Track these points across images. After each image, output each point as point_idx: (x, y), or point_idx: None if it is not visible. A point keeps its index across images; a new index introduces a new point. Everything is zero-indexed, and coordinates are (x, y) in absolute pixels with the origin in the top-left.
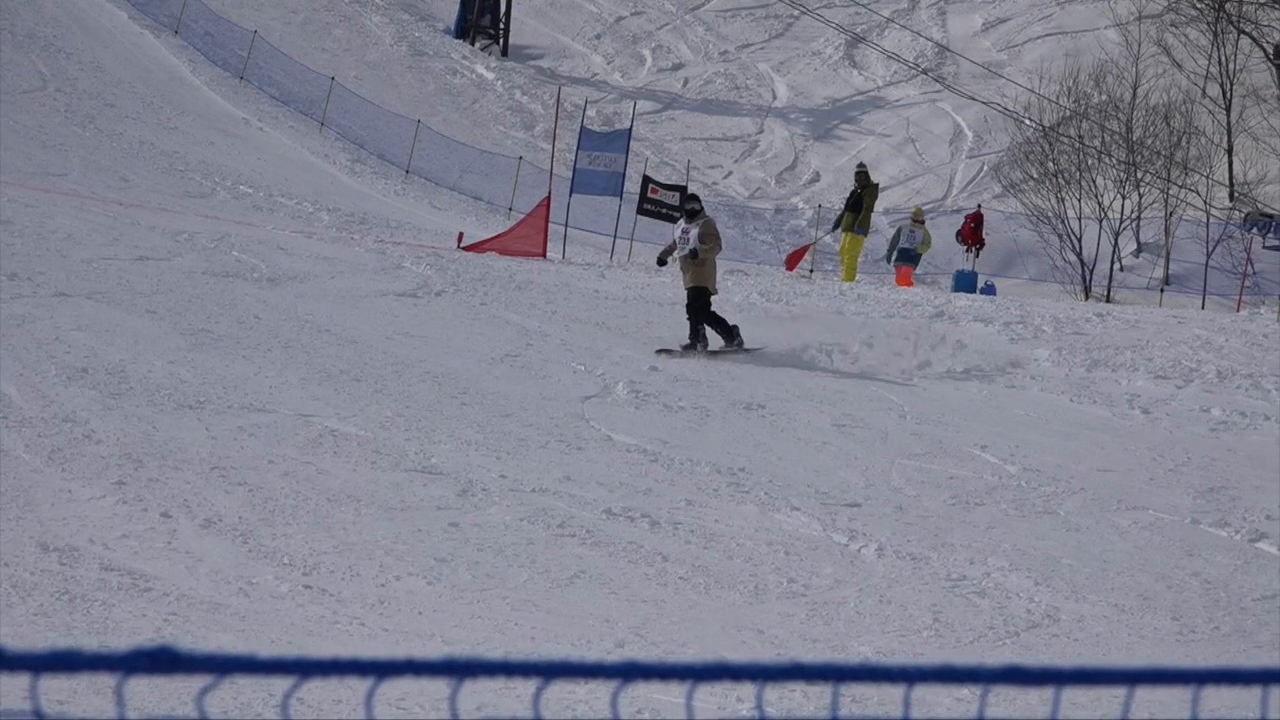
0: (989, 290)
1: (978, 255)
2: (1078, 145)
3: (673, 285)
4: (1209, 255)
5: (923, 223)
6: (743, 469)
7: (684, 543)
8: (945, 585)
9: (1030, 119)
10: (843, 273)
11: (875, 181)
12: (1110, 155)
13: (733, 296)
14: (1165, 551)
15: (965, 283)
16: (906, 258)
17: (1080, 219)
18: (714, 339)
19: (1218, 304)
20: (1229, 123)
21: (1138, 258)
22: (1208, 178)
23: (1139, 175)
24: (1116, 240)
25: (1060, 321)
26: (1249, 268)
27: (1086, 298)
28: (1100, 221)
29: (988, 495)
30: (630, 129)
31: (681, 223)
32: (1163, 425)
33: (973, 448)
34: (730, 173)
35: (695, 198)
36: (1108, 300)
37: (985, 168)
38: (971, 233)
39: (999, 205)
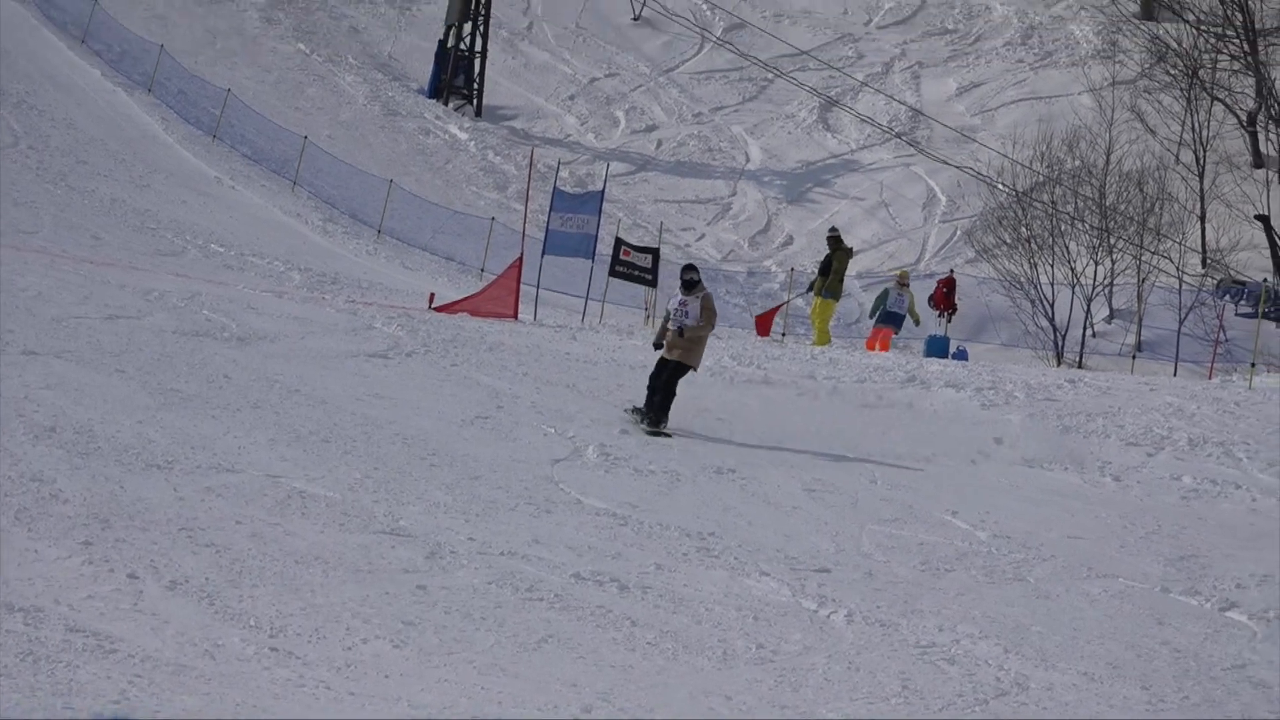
0: (961, 355)
1: (950, 320)
2: (1051, 210)
3: (644, 349)
4: (1181, 322)
5: (908, 285)
6: (712, 533)
7: (653, 607)
8: (914, 652)
9: (1003, 184)
10: (815, 336)
11: (848, 245)
12: (1083, 221)
13: (705, 360)
14: (1135, 620)
15: (937, 348)
16: (890, 320)
17: (1053, 284)
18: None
19: (1190, 371)
20: (1202, 189)
21: (1110, 324)
22: (1180, 244)
23: (1112, 241)
24: (1089, 306)
25: (1032, 388)
26: (1221, 335)
27: (1059, 364)
28: (1073, 287)
29: (958, 561)
30: (603, 190)
31: (680, 295)
32: (1134, 493)
33: (943, 513)
34: (703, 235)
35: (694, 268)
36: (1079, 366)
37: (958, 232)
38: (944, 298)
39: (971, 270)
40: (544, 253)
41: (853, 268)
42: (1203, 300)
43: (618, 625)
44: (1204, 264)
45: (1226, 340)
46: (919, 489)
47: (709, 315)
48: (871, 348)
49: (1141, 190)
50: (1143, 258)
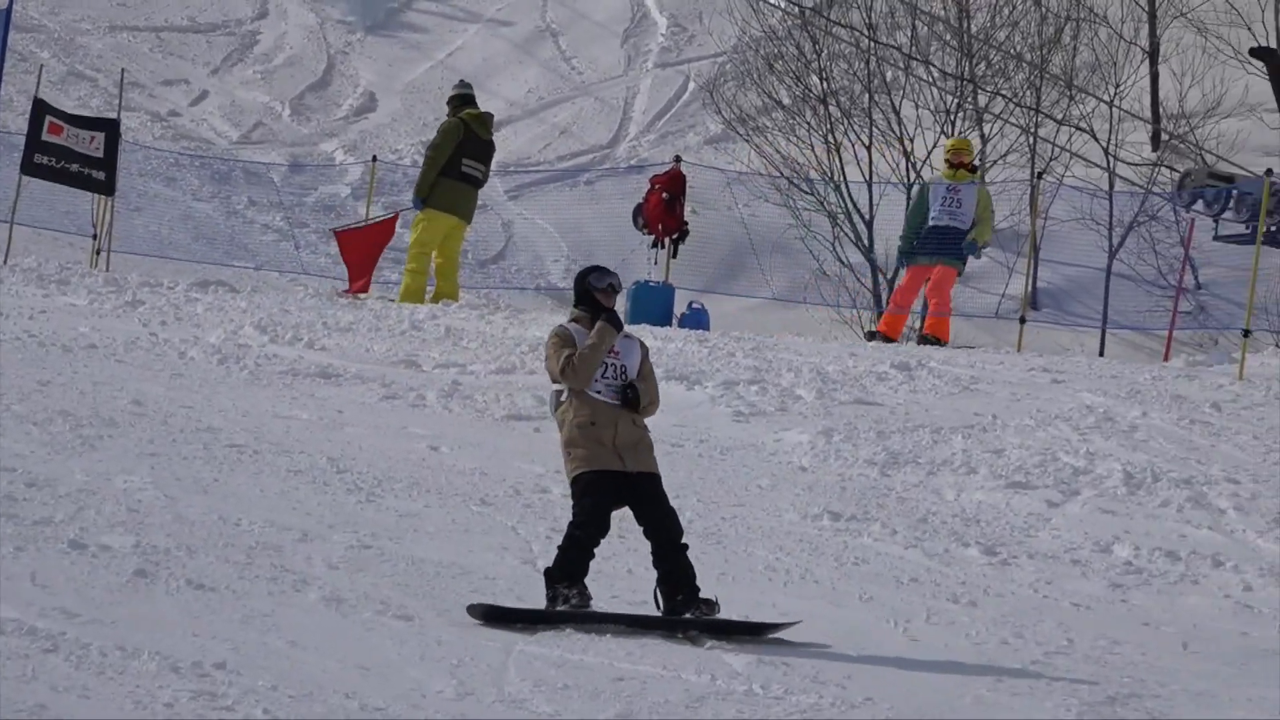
0: (696, 319)
1: (674, 252)
2: (866, 44)
3: (93, 319)
4: (1113, 253)
5: (974, 170)
6: (221, 665)
7: None
8: None
9: None
10: (403, 284)
11: (485, 113)
12: (929, 63)
13: (208, 336)
14: None
15: (652, 304)
16: (943, 246)
17: (871, 183)
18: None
19: (1127, 345)
20: (1153, 3)
21: (977, 257)
22: (1111, 105)
23: (982, 102)
24: None
25: (831, 380)
26: (1189, 275)
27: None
28: (909, 188)
29: None
30: (9, 9)
31: (574, 318)
32: (1022, 574)
33: (665, 638)
34: (204, 94)
35: (607, 271)
36: (923, 339)
37: (691, 85)
38: (662, 210)
39: (715, 157)
40: None
41: (500, 152)
42: (1153, 211)
43: None
44: (1155, 143)
45: (1198, 287)
46: (610, 580)
47: (653, 388)
48: (894, 329)
49: (1039, 4)
50: (1040, 130)
